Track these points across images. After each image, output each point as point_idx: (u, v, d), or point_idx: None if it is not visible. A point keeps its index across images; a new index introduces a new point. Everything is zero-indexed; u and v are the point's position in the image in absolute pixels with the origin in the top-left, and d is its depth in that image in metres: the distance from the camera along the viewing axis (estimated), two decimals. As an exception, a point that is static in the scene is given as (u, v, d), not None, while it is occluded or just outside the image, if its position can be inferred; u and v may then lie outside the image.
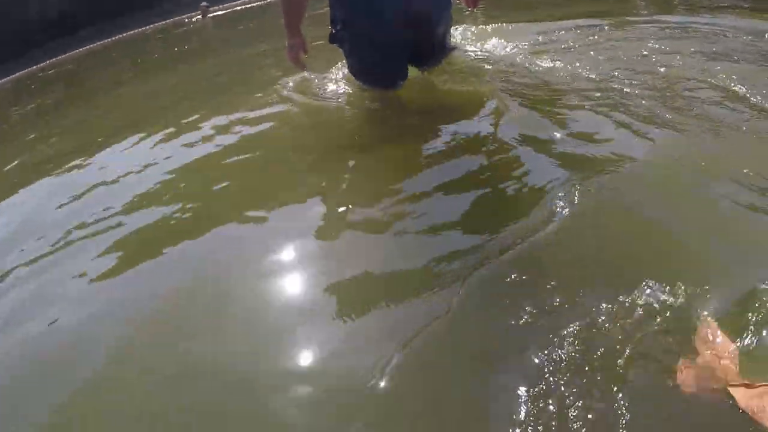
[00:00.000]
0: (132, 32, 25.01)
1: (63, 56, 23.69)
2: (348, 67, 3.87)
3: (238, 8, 23.35)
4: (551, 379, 1.50)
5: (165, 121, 5.21)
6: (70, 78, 15.85)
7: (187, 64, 10.86)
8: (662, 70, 3.55)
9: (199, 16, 23.02)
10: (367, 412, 1.62)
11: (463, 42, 4.58)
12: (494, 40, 4.59)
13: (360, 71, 3.79)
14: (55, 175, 4.76)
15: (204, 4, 23.11)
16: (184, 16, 25.09)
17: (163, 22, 25.20)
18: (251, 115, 4.53)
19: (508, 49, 4.39)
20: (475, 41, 4.66)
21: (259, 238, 2.69)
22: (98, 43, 24.33)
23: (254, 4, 22.64)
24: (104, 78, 12.74)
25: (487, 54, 4.25)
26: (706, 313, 1.46)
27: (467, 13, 4.08)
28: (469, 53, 4.25)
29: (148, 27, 25.12)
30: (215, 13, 23.54)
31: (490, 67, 3.97)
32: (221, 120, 4.60)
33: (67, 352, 2.23)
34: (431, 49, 3.76)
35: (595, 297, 1.72)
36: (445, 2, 3.64)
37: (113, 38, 24.60)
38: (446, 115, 3.47)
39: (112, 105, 8.11)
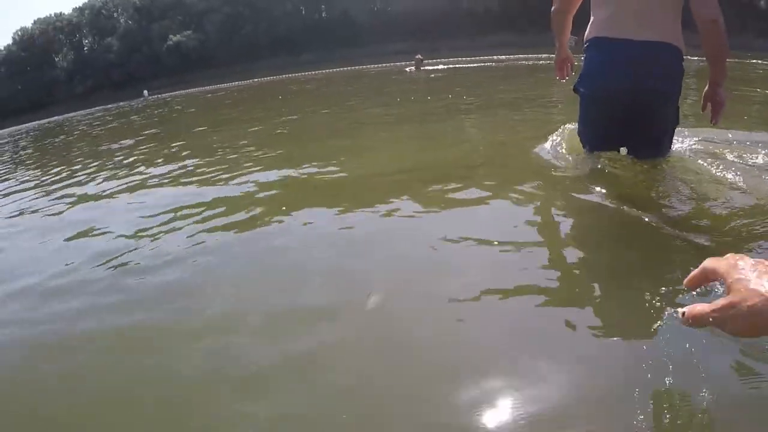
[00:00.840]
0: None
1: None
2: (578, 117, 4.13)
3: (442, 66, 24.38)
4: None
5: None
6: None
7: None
8: None
9: (413, 68, 23.72)
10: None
11: (692, 148, 4.42)
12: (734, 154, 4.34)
13: (579, 122, 4.11)
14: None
15: (418, 56, 23.88)
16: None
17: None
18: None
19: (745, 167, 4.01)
20: (708, 149, 4.47)
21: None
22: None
23: (464, 65, 23.33)
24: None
25: (715, 167, 3.91)
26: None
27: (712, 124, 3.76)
28: (698, 162, 4.03)
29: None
30: (428, 67, 24.33)
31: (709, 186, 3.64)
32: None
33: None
34: (643, 137, 3.83)
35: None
36: (672, 98, 3.68)
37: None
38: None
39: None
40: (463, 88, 14.14)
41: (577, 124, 4.17)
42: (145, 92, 51.53)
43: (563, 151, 4.67)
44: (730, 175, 3.71)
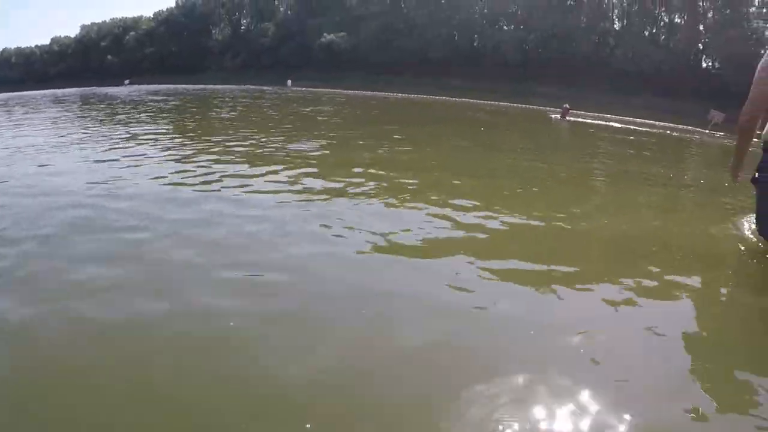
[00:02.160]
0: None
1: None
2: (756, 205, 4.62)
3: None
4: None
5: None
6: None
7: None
8: None
9: (558, 116, 23.49)
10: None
11: None
12: None
13: (758, 216, 4.60)
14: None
15: (566, 106, 23.70)
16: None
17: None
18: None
19: None
20: None
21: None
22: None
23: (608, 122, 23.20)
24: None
25: None
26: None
27: None
28: None
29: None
30: (572, 118, 24.09)
31: None
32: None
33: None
34: None
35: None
36: None
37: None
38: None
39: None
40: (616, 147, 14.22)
41: (756, 214, 4.68)
42: (289, 81, 53.07)
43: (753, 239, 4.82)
44: None
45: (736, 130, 4.59)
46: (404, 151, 9.19)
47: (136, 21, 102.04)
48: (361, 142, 10.29)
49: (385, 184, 6.55)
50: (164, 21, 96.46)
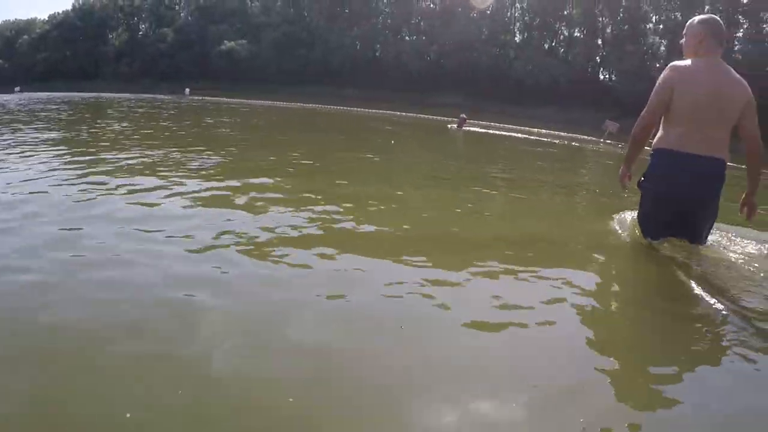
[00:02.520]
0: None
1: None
2: (639, 208, 5.02)
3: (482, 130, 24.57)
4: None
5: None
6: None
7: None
8: None
9: (455, 126, 23.87)
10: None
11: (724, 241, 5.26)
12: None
13: (640, 213, 4.99)
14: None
15: (462, 116, 24.07)
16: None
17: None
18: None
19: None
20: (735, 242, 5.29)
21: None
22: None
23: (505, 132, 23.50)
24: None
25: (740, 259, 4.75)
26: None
27: (749, 221, 4.95)
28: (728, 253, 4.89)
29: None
30: (470, 128, 24.49)
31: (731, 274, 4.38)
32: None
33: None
34: (694, 230, 4.75)
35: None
36: (718, 200, 4.64)
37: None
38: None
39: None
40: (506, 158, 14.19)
41: (637, 214, 5.09)
42: (187, 90, 51.79)
43: (625, 236, 5.43)
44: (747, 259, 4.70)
45: (630, 138, 4.80)
46: (306, 166, 9.02)
47: (30, 24, 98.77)
48: (264, 154, 10.00)
49: (286, 198, 6.39)
50: (59, 24, 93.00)
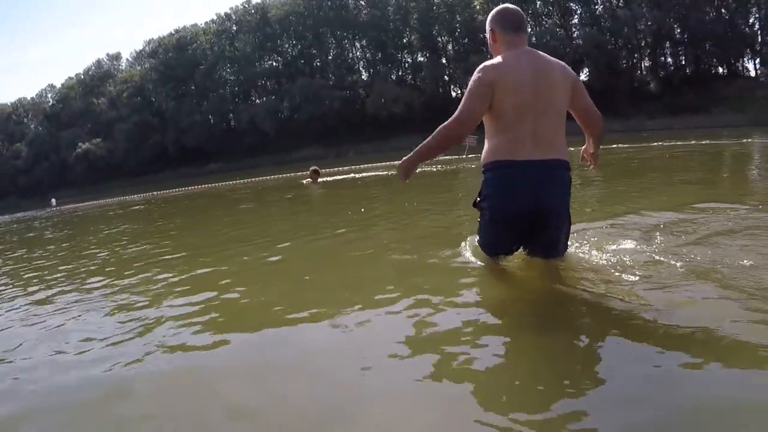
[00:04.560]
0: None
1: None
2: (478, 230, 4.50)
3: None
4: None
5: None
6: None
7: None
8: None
9: (309, 180, 22.77)
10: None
11: (582, 244, 4.86)
12: (621, 241, 4.96)
13: (480, 234, 4.47)
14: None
15: (314, 168, 22.94)
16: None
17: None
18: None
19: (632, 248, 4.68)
20: (596, 242, 4.96)
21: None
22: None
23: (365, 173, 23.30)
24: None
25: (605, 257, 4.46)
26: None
27: (590, 168, 4.89)
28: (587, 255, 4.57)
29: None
30: (326, 178, 23.68)
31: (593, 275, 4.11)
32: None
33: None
34: (543, 243, 4.30)
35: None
36: (567, 205, 4.19)
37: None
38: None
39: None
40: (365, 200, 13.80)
41: (477, 239, 4.58)
42: (53, 201, 50.31)
43: (470, 257, 4.93)
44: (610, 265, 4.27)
45: (435, 138, 4.13)
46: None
47: None
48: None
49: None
50: None
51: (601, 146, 4.67)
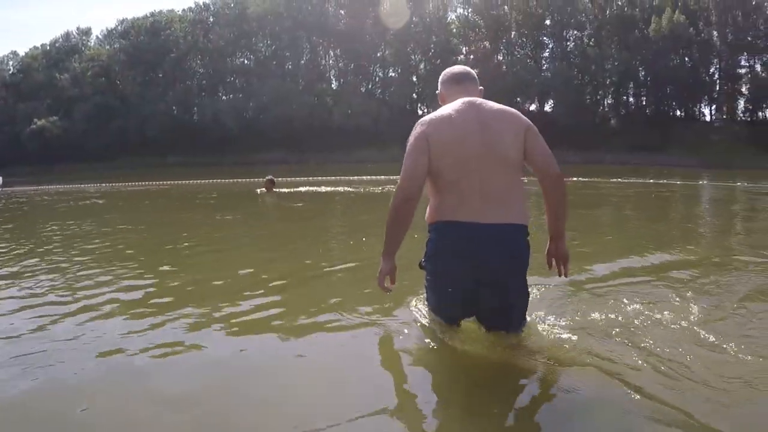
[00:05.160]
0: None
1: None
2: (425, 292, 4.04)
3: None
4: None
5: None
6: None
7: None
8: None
9: (263, 189, 22.23)
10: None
11: (541, 312, 4.42)
12: (582, 307, 4.62)
13: (428, 299, 4.01)
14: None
15: (269, 177, 22.35)
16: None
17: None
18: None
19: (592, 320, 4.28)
20: (557, 308, 4.64)
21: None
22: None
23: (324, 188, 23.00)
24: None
25: (565, 326, 4.14)
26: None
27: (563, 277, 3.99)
28: (549, 325, 4.17)
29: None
30: (282, 189, 23.10)
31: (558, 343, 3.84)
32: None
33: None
34: (493, 312, 3.78)
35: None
36: (521, 275, 3.72)
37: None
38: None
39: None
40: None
41: (426, 296, 4.08)
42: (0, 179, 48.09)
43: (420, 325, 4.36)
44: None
45: (387, 218, 3.76)
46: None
47: None
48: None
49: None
50: None
51: (564, 233, 3.83)
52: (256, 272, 6.93)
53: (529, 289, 3.84)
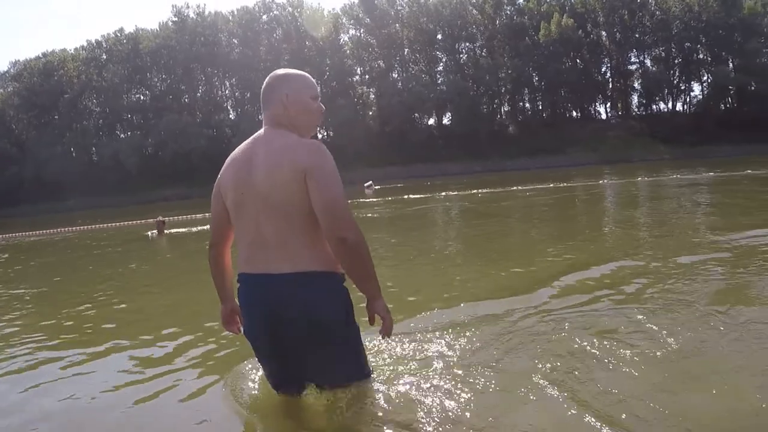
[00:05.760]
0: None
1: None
2: None
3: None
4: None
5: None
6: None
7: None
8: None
9: (155, 232, 21.32)
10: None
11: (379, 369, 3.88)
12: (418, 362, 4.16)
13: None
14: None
15: (160, 218, 21.38)
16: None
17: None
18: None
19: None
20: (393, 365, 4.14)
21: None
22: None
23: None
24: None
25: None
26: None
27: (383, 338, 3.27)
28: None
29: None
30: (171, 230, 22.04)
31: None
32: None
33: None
34: (315, 369, 3.36)
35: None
36: (332, 325, 3.19)
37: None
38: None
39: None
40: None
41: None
42: None
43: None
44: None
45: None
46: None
47: None
48: None
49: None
50: None
51: (375, 294, 3.20)
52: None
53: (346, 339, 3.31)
